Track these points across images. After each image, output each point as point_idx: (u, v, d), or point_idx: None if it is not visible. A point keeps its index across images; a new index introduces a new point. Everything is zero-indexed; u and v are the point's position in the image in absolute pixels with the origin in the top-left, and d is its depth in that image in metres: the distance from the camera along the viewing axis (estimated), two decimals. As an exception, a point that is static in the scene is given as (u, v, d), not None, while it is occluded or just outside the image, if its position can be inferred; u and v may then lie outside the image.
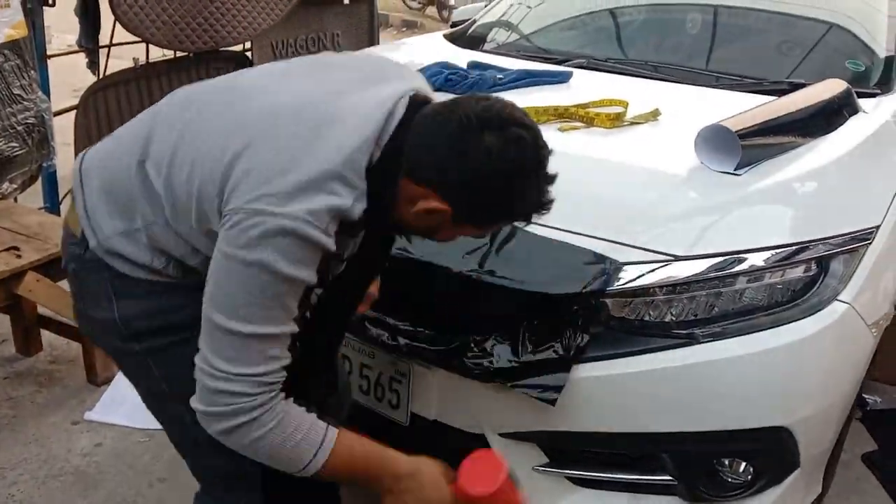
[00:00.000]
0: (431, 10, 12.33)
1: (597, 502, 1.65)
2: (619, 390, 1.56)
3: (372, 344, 1.71)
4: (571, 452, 1.64)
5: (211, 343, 1.16)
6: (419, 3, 13.17)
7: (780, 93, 2.15)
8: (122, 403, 2.42)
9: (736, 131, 1.74)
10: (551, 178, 1.25)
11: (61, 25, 5.24)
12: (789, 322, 1.57)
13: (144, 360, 1.35)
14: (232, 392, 1.15)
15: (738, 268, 1.60)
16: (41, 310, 2.53)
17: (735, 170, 1.76)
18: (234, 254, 1.12)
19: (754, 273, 1.60)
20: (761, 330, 1.56)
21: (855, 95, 2.12)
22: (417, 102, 1.22)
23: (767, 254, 1.61)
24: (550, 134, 1.96)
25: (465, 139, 1.15)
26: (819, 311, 1.59)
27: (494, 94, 1.24)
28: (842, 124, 2.01)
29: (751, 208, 1.73)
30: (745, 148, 1.75)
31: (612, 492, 1.65)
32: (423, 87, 1.30)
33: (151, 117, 1.30)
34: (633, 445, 1.59)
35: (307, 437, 1.20)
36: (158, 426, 2.26)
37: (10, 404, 2.41)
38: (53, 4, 2.74)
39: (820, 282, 1.62)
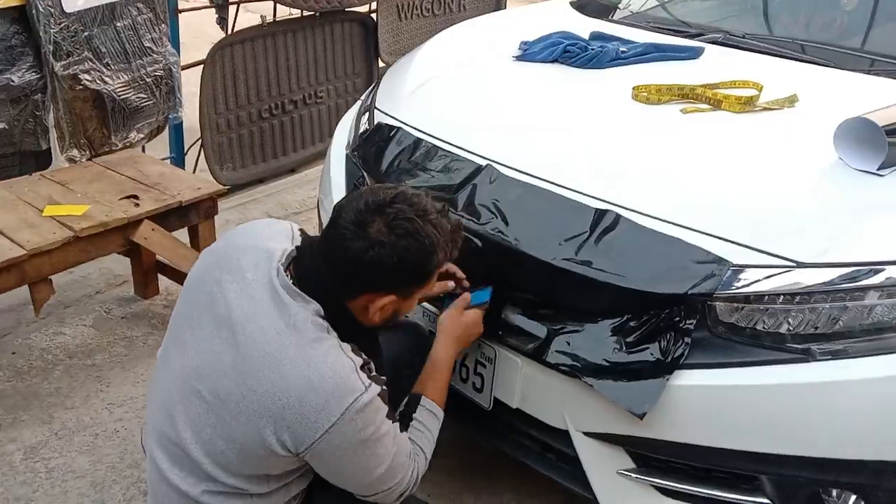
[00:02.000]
0: (569, -26, 11.95)
1: (684, 516, 1.55)
2: (719, 403, 1.45)
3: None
4: (660, 461, 1.54)
5: (379, 496, 1.41)
6: (557, -35, 12.78)
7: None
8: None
9: (883, 126, 1.55)
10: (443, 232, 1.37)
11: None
12: (921, 348, 1.39)
13: None
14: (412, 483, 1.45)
15: (872, 280, 1.43)
16: (159, 256, 2.64)
17: (878, 169, 1.57)
18: (334, 458, 1.31)
19: (889, 288, 1.42)
20: (890, 353, 1.40)
21: None
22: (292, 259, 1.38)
23: (898, 269, 1.43)
24: (671, 115, 1.84)
25: (360, 235, 1.30)
26: (959, 339, 1.40)
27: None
28: None
29: (893, 214, 1.53)
30: (893, 146, 1.55)
31: (701, 507, 1.54)
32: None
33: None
34: (729, 463, 1.47)
35: (431, 427, 1.52)
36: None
37: (124, 343, 2.54)
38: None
39: (967, 306, 1.42)
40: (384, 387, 1.34)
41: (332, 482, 1.37)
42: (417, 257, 1.33)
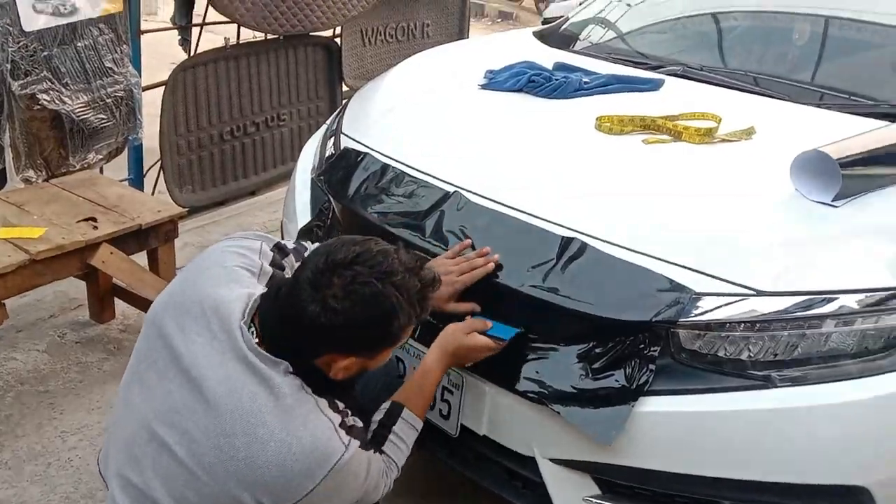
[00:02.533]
0: (529, 2, 12.17)
1: (648, 542, 1.56)
2: (682, 429, 1.47)
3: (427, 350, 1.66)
4: (626, 487, 1.55)
5: None
6: (516, -7, 13.02)
7: (892, 118, 1.97)
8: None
9: (837, 159, 1.60)
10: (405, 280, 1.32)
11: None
12: (879, 374, 1.44)
13: None
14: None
15: (826, 308, 1.47)
16: (117, 280, 2.59)
17: (833, 201, 1.62)
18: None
19: (844, 316, 1.46)
20: (847, 379, 1.44)
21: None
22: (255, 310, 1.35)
23: (861, 296, 1.47)
24: (634, 146, 1.88)
25: (317, 294, 1.27)
26: (912, 364, 1.44)
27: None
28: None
29: (847, 244, 1.58)
30: (847, 178, 1.60)
31: (665, 533, 1.56)
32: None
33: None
34: (693, 488, 1.49)
35: (407, 439, 1.52)
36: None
37: (78, 369, 2.48)
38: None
39: (919, 332, 1.47)
40: (362, 433, 1.36)
41: None
42: (375, 322, 1.30)
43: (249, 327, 1.32)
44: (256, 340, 1.31)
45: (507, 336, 1.54)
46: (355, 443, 1.31)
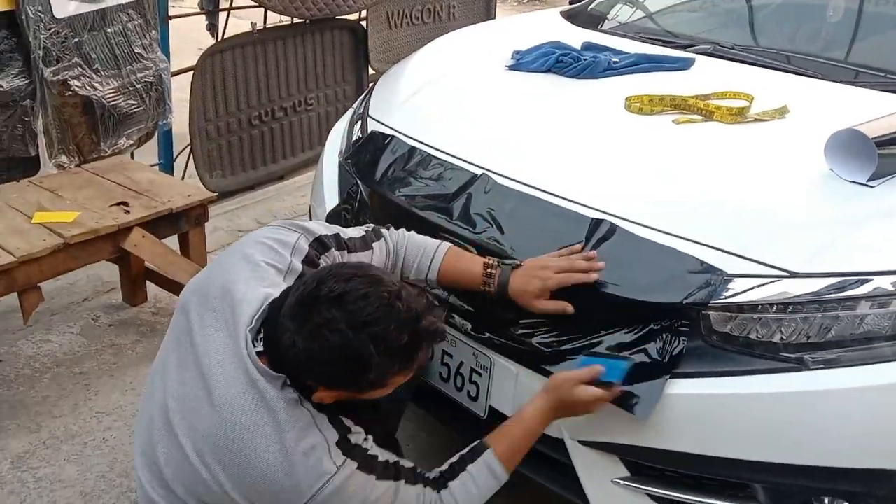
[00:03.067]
0: (555, -18, 12.03)
1: (677, 524, 1.56)
2: (713, 411, 1.45)
3: (455, 332, 1.66)
4: (655, 469, 1.54)
5: None
6: (543, -26, 12.87)
7: (930, 95, 1.92)
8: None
9: (873, 138, 1.57)
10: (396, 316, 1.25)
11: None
12: (909, 357, 1.41)
13: None
14: None
15: (860, 290, 1.45)
16: (149, 263, 2.62)
17: (868, 181, 1.59)
18: None
19: (879, 298, 1.44)
20: (881, 362, 1.41)
21: None
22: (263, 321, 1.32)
23: (888, 279, 1.44)
24: (664, 126, 1.86)
25: (298, 332, 1.24)
26: (948, 348, 1.42)
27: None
28: None
29: (883, 225, 1.55)
30: (883, 157, 1.57)
31: (695, 515, 1.55)
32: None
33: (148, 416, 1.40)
34: (722, 471, 1.48)
35: (481, 485, 1.44)
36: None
37: (112, 351, 2.52)
38: (177, -34, 2.80)
39: (954, 315, 1.44)
40: (369, 452, 1.32)
41: None
42: (344, 369, 1.24)
43: (258, 333, 1.31)
44: (259, 349, 1.29)
45: (620, 377, 1.42)
46: (351, 464, 1.28)
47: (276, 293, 1.34)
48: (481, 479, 1.42)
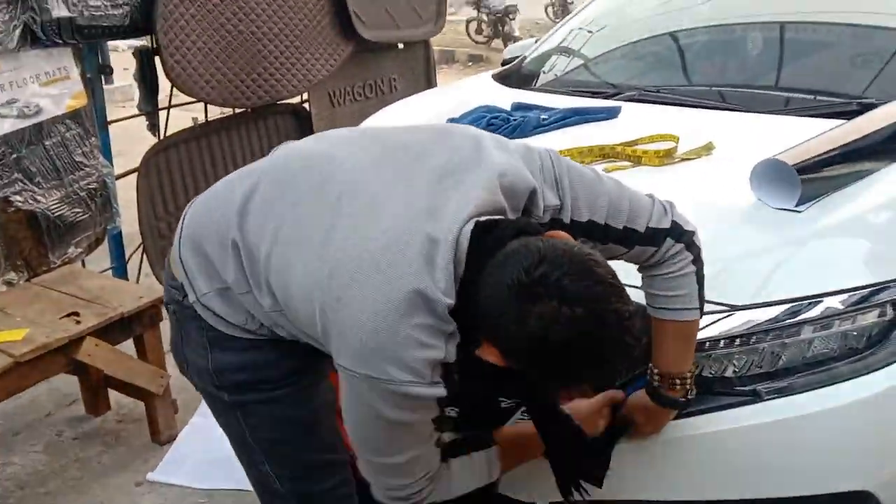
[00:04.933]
0: (497, 43, 12.37)
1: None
2: (676, 454, 1.45)
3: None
4: (629, 521, 1.52)
5: (369, 470, 1.26)
6: (484, 36, 13.26)
7: (849, 115, 1.98)
8: (182, 463, 2.43)
9: (794, 164, 1.61)
10: (620, 352, 1.10)
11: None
12: (864, 374, 1.43)
13: (232, 410, 1.40)
14: (404, 496, 1.27)
15: (809, 314, 1.47)
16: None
17: (796, 206, 1.62)
18: (356, 403, 1.17)
19: (822, 321, 1.46)
20: (833, 384, 1.42)
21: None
22: (485, 228, 1.13)
23: (836, 299, 1.47)
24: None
25: (517, 308, 1.04)
26: (899, 359, 1.43)
27: (574, 244, 1.12)
28: (918, 147, 1.83)
29: (817, 246, 1.58)
30: (806, 182, 1.61)
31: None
32: (506, 161, 1.22)
33: (250, 184, 1.28)
34: (694, 513, 1.46)
35: (476, 474, 1.36)
36: (217, 487, 2.28)
37: (77, 465, 2.45)
38: (111, 73, 2.84)
39: (899, 327, 1.46)
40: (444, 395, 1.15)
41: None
42: (542, 360, 1.08)
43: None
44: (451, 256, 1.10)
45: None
46: (434, 389, 1.12)
47: (500, 201, 1.17)
48: (477, 468, 1.37)
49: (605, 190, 1.28)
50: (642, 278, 1.37)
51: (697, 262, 1.33)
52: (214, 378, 1.36)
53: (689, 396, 1.40)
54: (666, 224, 1.30)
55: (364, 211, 1.17)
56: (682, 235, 1.32)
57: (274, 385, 1.35)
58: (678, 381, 1.39)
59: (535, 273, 1.03)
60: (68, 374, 2.54)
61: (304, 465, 1.41)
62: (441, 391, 1.13)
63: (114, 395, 2.69)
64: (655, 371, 1.41)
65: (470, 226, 1.12)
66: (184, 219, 1.37)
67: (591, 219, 1.26)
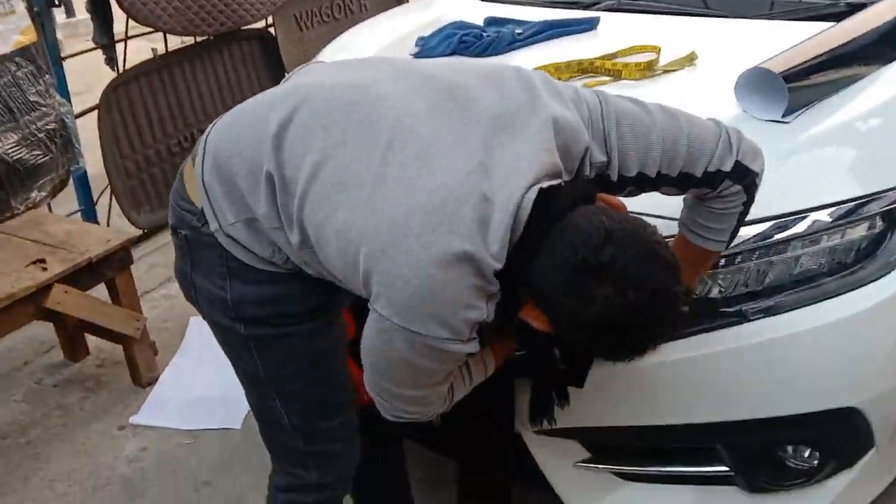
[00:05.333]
0: (472, -44, 11.92)
1: (647, 496, 1.52)
2: (662, 378, 1.42)
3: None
4: (615, 447, 1.50)
5: (380, 394, 1.22)
6: (459, -51, 12.74)
7: (836, 17, 1.88)
8: (165, 405, 2.40)
9: (780, 73, 1.53)
10: (658, 334, 1.12)
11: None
12: (853, 289, 1.39)
13: (247, 343, 1.34)
14: (410, 418, 1.25)
15: (796, 230, 1.41)
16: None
17: (783, 117, 1.55)
18: (383, 345, 1.12)
19: (809, 236, 1.40)
20: (820, 301, 1.38)
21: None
22: (546, 195, 1.08)
23: (824, 213, 1.41)
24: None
25: (579, 286, 1.04)
26: (888, 273, 1.39)
27: (638, 223, 1.10)
28: (908, 49, 1.75)
29: (800, 161, 1.52)
30: (793, 90, 1.53)
31: (663, 485, 1.52)
32: (561, 115, 1.15)
33: (288, 110, 1.18)
34: (682, 438, 1.45)
35: (475, 378, 1.34)
36: (201, 427, 2.26)
37: (59, 413, 2.42)
38: (59, 5, 2.67)
39: (888, 239, 1.42)
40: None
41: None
42: (609, 341, 1.10)
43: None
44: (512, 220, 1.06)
45: None
46: (470, 345, 1.11)
47: (561, 170, 1.12)
48: (476, 373, 1.34)
49: (658, 137, 1.18)
50: (684, 198, 1.30)
51: (748, 203, 1.26)
52: (231, 309, 1.30)
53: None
54: (728, 166, 1.20)
55: (416, 162, 1.10)
56: (744, 177, 1.22)
57: (293, 320, 1.30)
58: None
59: (603, 254, 1.03)
60: (43, 321, 2.48)
61: (314, 402, 1.39)
62: (475, 347, 1.12)
63: (92, 340, 2.65)
64: None
65: (533, 193, 1.07)
66: (206, 140, 1.28)
67: (641, 171, 1.19)
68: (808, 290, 1.41)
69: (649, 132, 1.18)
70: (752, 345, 1.37)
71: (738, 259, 1.41)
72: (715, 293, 1.44)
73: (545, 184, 1.08)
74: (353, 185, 1.10)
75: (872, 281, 1.40)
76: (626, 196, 1.23)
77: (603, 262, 1.03)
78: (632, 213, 1.29)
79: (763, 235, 1.40)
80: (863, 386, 1.39)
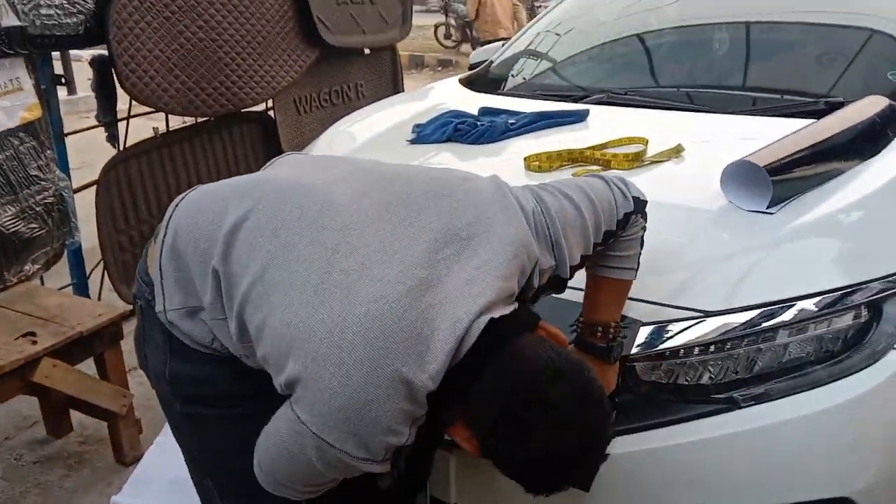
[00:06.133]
0: (466, 48, 12.37)
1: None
2: (655, 465, 1.41)
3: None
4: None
5: (268, 484, 1.20)
6: (453, 41, 13.26)
7: (816, 115, 1.97)
8: (149, 485, 2.34)
9: (764, 166, 1.59)
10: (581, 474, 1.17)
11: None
12: (841, 377, 1.40)
13: (183, 420, 1.38)
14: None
15: (782, 318, 1.44)
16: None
17: (767, 207, 1.60)
18: (287, 445, 1.12)
19: (796, 325, 1.43)
20: (809, 389, 1.40)
21: (900, 112, 1.93)
22: (493, 328, 1.08)
23: (810, 302, 1.44)
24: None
25: (519, 419, 1.05)
26: (875, 362, 1.41)
27: (580, 363, 1.13)
28: (886, 145, 1.82)
29: (790, 248, 1.56)
30: (777, 183, 1.59)
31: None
32: (516, 237, 1.17)
33: (244, 210, 1.21)
34: (675, 526, 1.43)
35: None
36: (182, 509, 2.20)
37: (38, 490, 2.36)
38: (66, 84, 2.74)
39: (874, 329, 1.44)
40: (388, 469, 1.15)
41: None
42: (530, 473, 1.11)
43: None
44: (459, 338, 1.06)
45: None
46: (386, 466, 1.11)
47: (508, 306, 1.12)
48: None
49: (587, 220, 1.27)
50: None
51: (645, 226, 1.39)
52: (169, 385, 1.34)
53: (612, 345, 1.40)
54: (630, 207, 1.33)
55: (359, 270, 1.10)
56: (642, 207, 1.36)
57: (228, 402, 1.31)
58: (600, 329, 1.40)
59: (551, 392, 1.04)
60: (28, 395, 2.44)
61: (244, 491, 1.32)
62: (387, 467, 1.12)
63: (76, 416, 2.60)
64: (580, 320, 1.43)
65: (482, 323, 1.07)
66: (170, 219, 1.30)
67: (583, 255, 1.27)
68: (798, 378, 1.42)
69: (581, 221, 1.26)
70: (744, 432, 1.37)
71: (728, 346, 1.43)
72: (706, 379, 1.45)
73: (497, 313, 1.08)
74: (295, 288, 1.10)
75: (860, 370, 1.42)
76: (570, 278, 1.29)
77: (548, 400, 1.03)
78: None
79: (751, 323, 1.43)
80: (854, 475, 1.38)
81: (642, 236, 1.39)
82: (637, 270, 1.40)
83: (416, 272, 1.09)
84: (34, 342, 2.19)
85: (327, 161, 1.38)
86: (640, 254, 1.40)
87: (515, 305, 1.14)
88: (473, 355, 1.07)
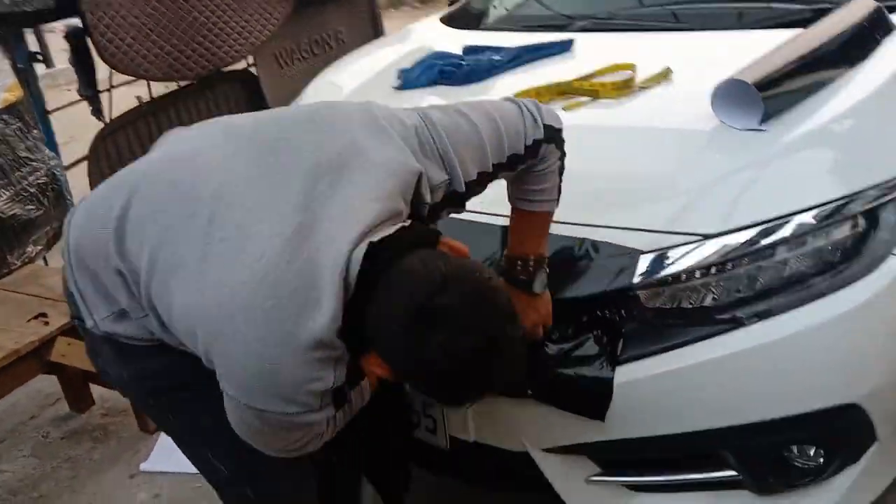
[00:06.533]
0: (444, -20, 12.06)
1: (660, 506, 1.55)
2: (665, 389, 1.44)
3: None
4: (624, 460, 1.53)
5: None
6: (430, -27, 12.91)
7: (804, 23, 1.94)
8: (173, 450, 2.37)
9: (753, 82, 1.57)
10: (496, 380, 1.12)
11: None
12: (842, 288, 1.42)
13: (162, 411, 1.42)
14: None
15: (781, 234, 1.45)
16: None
17: (760, 124, 1.59)
18: (239, 419, 1.15)
19: (795, 239, 1.44)
20: (812, 301, 1.42)
21: (886, 13, 1.90)
22: (379, 251, 1.08)
23: (807, 215, 1.45)
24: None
25: (414, 332, 1.04)
26: (873, 270, 1.43)
27: (476, 267, 1.12)
28: (874, 50, 1.80)
29: (780, 166, 1.55)
30: (767, 99, 1.58)
31: (675, 493, 1.54)
32: (391, 161, 1.16)
33: (124, 200, 1.19)
34: (688, 446, 1.47)
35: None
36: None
37: (69, 465, 2.43)
38: (42, 60, 2.70)
39: (872, 236, 1.46)
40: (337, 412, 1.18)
41: None
42: (447, 384, 1.08)
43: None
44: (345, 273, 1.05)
45: None
46: (329, 411, 1.14)
47: (394, 226, 1.10)
48: (355, 406, 1.36)
49: (484, 136, 1.26)
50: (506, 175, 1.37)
51: (563, 156, 1.38)
52: (136, 387, 1.37)
53: (534, 279, 1.42)
54: (540, 134, 1.31)
55: (237, 234, 1.09)
56: (555, 136, 1.34)
57: (190, 383, 1.28)
58: (520, 262, 1.42)
59: (438, 300, 1.02)
60: (47, 373, 2.49)
61: (245, 446, 1.35)
62: (331, 412, 1.14)
63: (97, 390, 2.66)
64: (504, 254, 1.45)
65: (361, 251, 1.06)
66: (68, 236, 1.29)
67: (480, 171, 1.26)
68: (800, 292, 1.44)
69: (476, 137, 1.25)
70: (750, 349, 1.40)
71: (729, 266, 1.45)
72: (709, 301, 1.47)
73: (376, 237, 1.07)
74: (184, 268, 1.11)
75: (860, 278, 1.44)
76: (475, 195, 1.29)
77: (437, 308, 1.02)
78: (616, 227, 1.33)
79: (750, 241, 1.44)
80: (859, 381, 1.42)
81: (560, 167, 1.38)
82: (557, 202, 1.41)
83: (293, 218, 1.08)
84: (46, 323, 2.23)
85: (202, 128, 1.31)
86: (558, 186, 1.39)
87: (405, 223, 1.13)
88: (363, 281, 1.06)
